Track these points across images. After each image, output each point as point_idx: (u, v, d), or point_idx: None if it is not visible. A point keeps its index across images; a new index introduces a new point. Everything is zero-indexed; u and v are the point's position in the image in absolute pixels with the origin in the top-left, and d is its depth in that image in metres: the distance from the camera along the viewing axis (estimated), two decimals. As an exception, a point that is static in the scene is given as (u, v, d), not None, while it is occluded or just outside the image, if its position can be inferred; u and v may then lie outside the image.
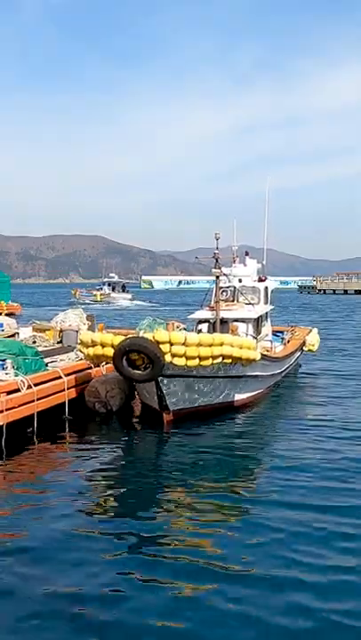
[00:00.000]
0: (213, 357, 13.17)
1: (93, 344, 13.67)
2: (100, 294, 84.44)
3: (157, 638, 5.71)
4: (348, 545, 7.60)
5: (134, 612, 6.06)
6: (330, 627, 5.87)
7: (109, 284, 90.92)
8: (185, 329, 17.86)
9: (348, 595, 6.45)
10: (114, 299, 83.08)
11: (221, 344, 13.22)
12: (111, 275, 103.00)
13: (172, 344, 12.69)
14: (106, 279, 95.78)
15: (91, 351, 13.81)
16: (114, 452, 11.99)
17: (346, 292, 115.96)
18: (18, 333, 18.38)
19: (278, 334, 21.44)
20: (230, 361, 13.64)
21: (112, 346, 13.15)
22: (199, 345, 12.92)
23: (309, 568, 6.99)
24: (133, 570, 6.92)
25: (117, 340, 13.09)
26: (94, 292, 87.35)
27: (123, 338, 13.08)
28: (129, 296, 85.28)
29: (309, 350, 22.17)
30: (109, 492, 9.61)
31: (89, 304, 68.58)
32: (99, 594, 6.41)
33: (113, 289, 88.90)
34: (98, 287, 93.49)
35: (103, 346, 13.43)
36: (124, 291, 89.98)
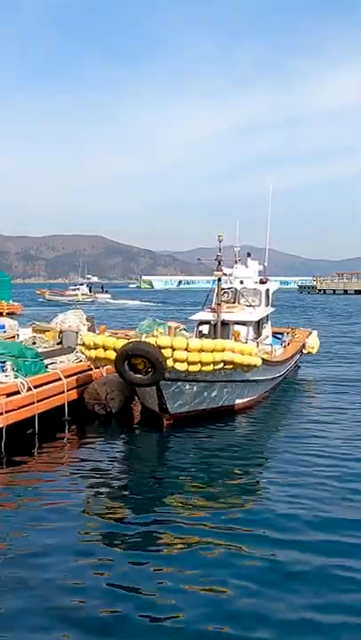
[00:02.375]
0: (215, 363, 13.12)
1: (96, 347, 13.57)
2: (82, 294, 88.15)
3: (160, 637, 5.73)
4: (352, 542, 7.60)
5: (135, 612, 6.08)
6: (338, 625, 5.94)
7: (87, 285, 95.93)
8: (185, 329, 17.83)
9: (349, 592, 6.52)
10: (97, 298, 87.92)
11: (223, 350, 13.14)
12: (88, 276, 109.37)
13: (174, 349, 12.63)
14: (84, 280, 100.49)
15: (93, 354, 13.72)
16: (114, 453, 11.97)
17: (346, 291, 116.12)
18: (18, 334, 18.36)
19: (278, 336, 21.38)
20: (232, 367, 13.60)
21: (114, 349, 13.08)
22: (201, 350, 12.86)
23: (311, 566, 7.04)
24: (134, 570, 6.94)
25: (120, 343, 13.00)
26: (68, 292, 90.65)
27: (125, 342, 13.00)
28: (108, 296, 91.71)
29: (309, 353, 22.15)
30: (110, 493, 9.59)
31: (69, 304, 69.95)
32: (100, 594, 6.43)
33: (90, 289, 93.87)
34: (72, 287, 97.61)
35: (105, 349, 13.35)
36: (103, 291, 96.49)
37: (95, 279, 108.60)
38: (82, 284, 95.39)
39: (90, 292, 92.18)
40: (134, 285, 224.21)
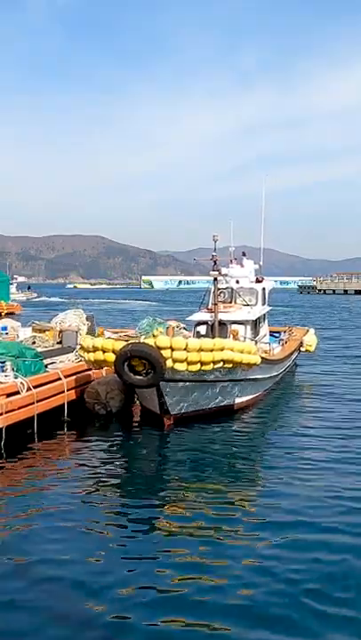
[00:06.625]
0: (214, 362, 13.13)
1: (94, 349, 13.57)
2: (25, 294, 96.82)
3: (160, 637, 5.79)
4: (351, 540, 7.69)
5: (136, 612, 6.11)
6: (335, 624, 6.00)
7: (17, 286, 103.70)
8: (185, 329, 17.91)
9: (350, 591, 6.59)
10: (32, 297, 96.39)
11: (222, 349, 13.15)
12: (15, 276, 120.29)
13: (173, 349, 12.62)
14: (15, 281, 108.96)
15: (92, 356, 13.72)
16: (114, 453, 12.01)
17: (346, 292, 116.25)
18: (17, 334, 18.40)
19: (275, 335, 21.48)
20: (231, 365, 13.63)
21: (113, 352, 13.07)
22: (200, 350, 12.87)
23: (310, 565, 7.09)
24: (135, 570, 7.00)
25: (118, 345, 12.99)
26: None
27: (124, 344, 12.99)
28: (35, 294, 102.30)
29: (307, 351, 22.19)
30: (110, 492, 9.65)
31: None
32: (100, 594, 6.46)
33: (17, 288, 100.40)
34: None
35: (105, 351, 13.35)
36: (29, 290, 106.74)
37: (22, 279, 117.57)
38: (11, 284, 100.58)
39: (17, 291, 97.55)
40: (71, 285, 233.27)
